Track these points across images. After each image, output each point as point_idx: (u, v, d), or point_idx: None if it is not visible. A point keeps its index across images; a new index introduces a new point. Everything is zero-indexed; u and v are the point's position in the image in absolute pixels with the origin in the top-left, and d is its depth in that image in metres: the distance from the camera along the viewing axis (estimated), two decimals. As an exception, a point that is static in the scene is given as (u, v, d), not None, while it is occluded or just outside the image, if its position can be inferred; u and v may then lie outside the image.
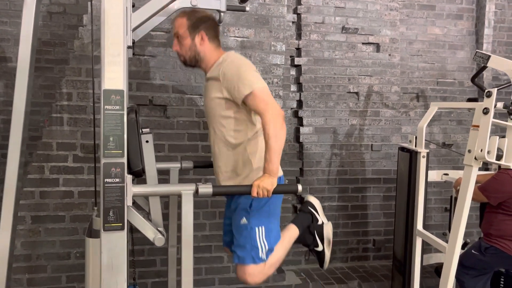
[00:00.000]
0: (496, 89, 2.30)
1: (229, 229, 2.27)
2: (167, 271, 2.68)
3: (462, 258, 2.63)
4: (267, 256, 2.11)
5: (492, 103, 2.28)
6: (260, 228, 2.10)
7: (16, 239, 2.67)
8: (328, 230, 2.43)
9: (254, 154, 2.10)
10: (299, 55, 3.57)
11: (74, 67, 2.80)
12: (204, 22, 2.08)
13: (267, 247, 2.11)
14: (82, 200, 2.85)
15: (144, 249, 2.98)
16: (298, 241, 2.37)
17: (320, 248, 2.42)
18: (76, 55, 2.79)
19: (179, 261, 2.65)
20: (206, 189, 1.87)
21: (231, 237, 2.26)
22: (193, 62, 2.12)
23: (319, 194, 3.59)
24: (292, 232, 2.33)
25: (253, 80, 1.95)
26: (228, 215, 2.31)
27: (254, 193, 1.90)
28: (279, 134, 1.90)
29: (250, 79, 1.95)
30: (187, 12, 2.13)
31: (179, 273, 2.67)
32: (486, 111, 2.29)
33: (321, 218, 2.46)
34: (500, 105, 2.34)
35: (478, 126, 2.34)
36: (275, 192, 1.94)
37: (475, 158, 2.34)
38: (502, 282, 3.13)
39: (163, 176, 2.47)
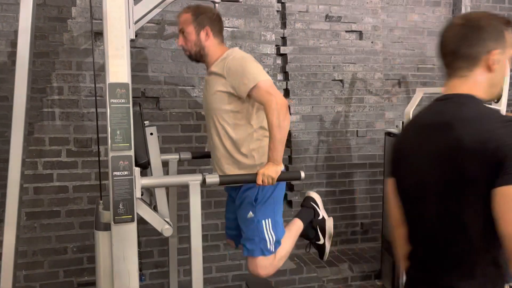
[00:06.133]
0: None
1: (233, 224, 2.33)
2: (167, 262, 2.71)
3: None
4: (275, 248, 2.18)
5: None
6: (267, 220, 2.16)
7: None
8: (329, 224, 2.55)
9: (257, 150, 2.16)
10: (284, 44, 3.61)
11: (64, 60, 2.75)
12: (209, 18, 2.12)
13: (274, 238, 2.18)
14: (77, 195, 2.83)
15: (141, 241, 2.99)
16: (301, 234, 2.46)
17: (321, 242, 2.54)
18: (66, 48, 2.75)
19: (179, 251, 2.70)
20: (213, 178, 1.91)
21: (235, 230, 2.31)
22: (198, 57, 2.17)
23: (307, 181, 3.66)
24: (297, 225, 2.42)
25: (257, 73, 1.99)
26: (231, 210, 2.36)
27: (259, 181, 1.94)
28: (282, 124, 1.95)
29: (254, 72, 1.99)
30: (192, 7, 2.15)
31: (180, 262, 2.71)
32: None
33: (322, 212, 2.56)
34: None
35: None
36: (280, 179, 1.99)
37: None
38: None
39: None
